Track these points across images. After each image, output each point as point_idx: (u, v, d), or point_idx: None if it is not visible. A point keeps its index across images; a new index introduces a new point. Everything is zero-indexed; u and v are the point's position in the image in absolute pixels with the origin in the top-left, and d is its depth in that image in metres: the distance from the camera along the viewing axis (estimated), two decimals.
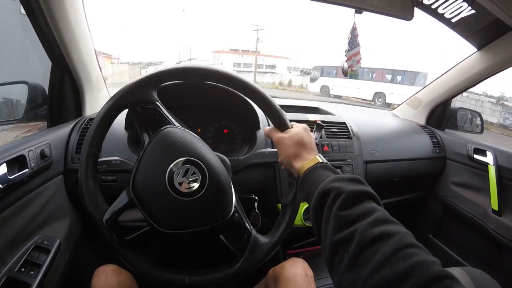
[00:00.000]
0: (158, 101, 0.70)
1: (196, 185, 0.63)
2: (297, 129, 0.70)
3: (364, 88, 14.33)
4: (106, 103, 0.68)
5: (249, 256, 0.71)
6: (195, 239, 0.82)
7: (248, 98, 0.75)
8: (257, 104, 0.75)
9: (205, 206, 0.65)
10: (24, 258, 0.71)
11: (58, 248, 0.78)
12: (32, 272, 0.70)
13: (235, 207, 0.70)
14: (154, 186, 0.63)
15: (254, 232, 0.73)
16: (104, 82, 1.20)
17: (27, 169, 0.73)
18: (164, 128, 0.67)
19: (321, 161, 0.63)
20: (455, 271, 0.82)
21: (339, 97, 14.77)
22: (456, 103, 1.60)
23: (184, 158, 0.64)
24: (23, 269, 0.70)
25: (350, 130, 1.23)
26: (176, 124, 0.70)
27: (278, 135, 0.71)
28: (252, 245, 0.71)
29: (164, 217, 0.65)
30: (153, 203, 0.64)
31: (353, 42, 1.10)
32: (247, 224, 0.73)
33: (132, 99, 0.68)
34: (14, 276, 0.67)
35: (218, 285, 0.70)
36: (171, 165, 0.63)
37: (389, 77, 14.10)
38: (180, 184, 0.63)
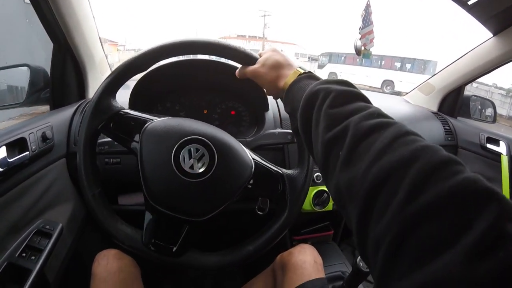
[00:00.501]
0: (122, 109, 0.67)
1: (206, 161, 0.61)
2: (267, 54, 0.64)
3: (372, 76, 14.16)
4: (79, 134, 0.64)
5: (292, 196, 0.69)
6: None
7: (205, 54, 0.70)
8: (216, 55, 0.70)
9: (226, 174, 0.62)
10: (25, 243, 0.70)
11: (60, 233, 0.77)
12: (33, 258, 0.69)
13: (253, 159, 0.67)
14: (169, 185, 0.60)
15: (284, 170, 0.71)
16: (107, 64, 1.18)
17: (27, 152, 0.71)
18: (146, 127, 0.63)
19: (303, 72, 0.57)
20: None
21: None
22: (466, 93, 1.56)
23: (178, 143, 0.61)
24: (24, 254, 0.68)
25: None
26: (154, 117, 0.66)
27: (250, 68, 0.65)
28: (289, 183, 0.69)
29: (195, 207, 0.62)
30: (176, 201, 0.61)
31: (367, 19, 1.06)
32: (273, 167, 0.70)
33: (97, 123, 0.64)
34: (14, 262, 0.66)
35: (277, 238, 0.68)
36: (172, 155, 0.60)
37: (398, 64, 13.91)
38: (191, 167, 0.60)
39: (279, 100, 1.02)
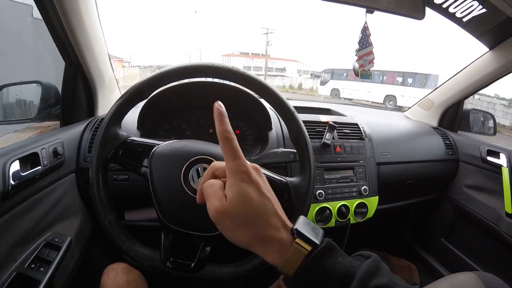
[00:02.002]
0: (129, 137, 0.69)
1: None
2: (234, 188, 0.41)
3: (374, 91, 14.24)
4: (90, 163, 0.66)
5: (297, 201, 0.71)
6: None
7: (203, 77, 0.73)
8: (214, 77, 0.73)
9: None
10: (34, 255, 0.72)
11: (69, 246, 0.79)
12: (42, 269, 0.70)
13: None
14: (181, 204, 0.62)
15: (288, 179, 0.72)
16: (116, 83, 1.21)
17: (39, 167, 0.74)
18: (153, 151, 0.66)
19: (309, 248, 0.40)
20: (468, 275, 0.80)
21: (350, 100, 14.68)
22: (467, 105, 1.58)
23: (186, 164, 0.63)
24: (33, 266, 0.70)
25: (362, 131, 1.22)
26: (159, 142, 0.69)
27: (214, 205, 0.41)
28: (294, 190, 0.71)
29: (208, 223, 0.63)
30: (189, 218, 0.63)
31: (364, 41, 1.09)
32: (277, 177, 0.71)
33: (106, 152, 0.67)
34: (23, 272, 0.68)
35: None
36: (182, 176, 0.62)
37: (399, 79, 13.99)
38: None
39: (282, 120, 1.06)
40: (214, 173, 0.46)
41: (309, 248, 0.40)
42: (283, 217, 0.43)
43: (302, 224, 0.42)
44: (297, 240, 0.41)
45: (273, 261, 0.42)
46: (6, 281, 0.64)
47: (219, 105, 0.44)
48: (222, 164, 0.45)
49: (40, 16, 0.86)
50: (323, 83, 16.90)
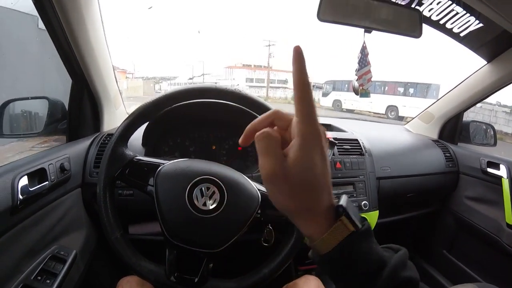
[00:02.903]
0: (135, 156, 0.72)
1: (217, 197, 0.65)
2: (304, 150, 0.36)
3: (376, 102, 14.23)
4: (98, 182, 0.69)
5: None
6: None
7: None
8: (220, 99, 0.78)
9: (235, 207, 0.67)
10: (40, 267, 0.73)
11: (74, 259, 0.81)
12: (48, 281, 0.72)
13: (259, 190, 0.71)
14: (186, 221, 0.65)
15: None
16: (121, 99, 1.24)
17: (47, 182, 0.76)
18: (159, 171, 0.68)
19: (353, 228, 0.38)
20: (469, 287, 0.80)
21: (352, 111, 14.70)
22: (469, 113, 1.58)
23: (191, 183, 0.65)
24: (39, 278, 0.71)
25: (362, 147, 1.23)
26: (164, 161, 0.71)
27: (274, 164, 0.37)
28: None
29: (211, 240, 0.66)
30: (193, 235, 0.65)
31: (363, 61, 1.12)
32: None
33: (113, 171, 0.70)
34: (30, 284, 0.69)
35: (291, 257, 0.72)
36: (186, 195, 0.64)
37: (401, 90, 13.97)
38: (204, 204, 0.64)
39: None
40: (273, 122, 0.41)
41: (352, 228, 0.38)
42: (331, 190, 0.39)
43: (346, 203, 0.40)
44: (343, 217, 0.38)
45: (312, 234, 0.39)
46: None
47: (298, 48, 0.37)
48: (286, 115, 0.40)
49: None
50: (325, 94, 16.93)
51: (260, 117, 0.41)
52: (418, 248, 1.72)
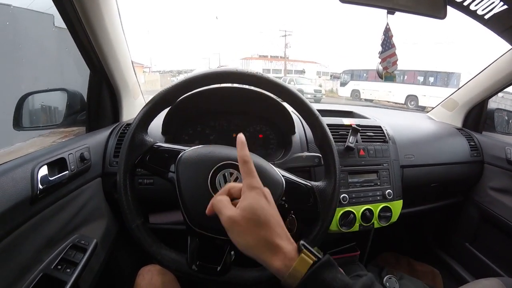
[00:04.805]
0: (155, 142, 0.71)
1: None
2: (246, 201, 0.49)
3: (395, 91, 13.96)
4: (118, 169, 0.68)
5: (323, 205, 0.71)
6: None
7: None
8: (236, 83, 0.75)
9: None
10: (61, 256, 0.73)
11: (95, 248, 0.80)
12: (68, 270, 0.72)
13: (283, 176, 0.70)
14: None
15: (313, 183, 0.73)
16: (139, 88, 1.24)
17: (67, 171, 0.76)
18: (180, 157, 0.67)
19: (313, 258, 0.46)
20: (493, 281, 0.76)
21: (370, 101, 14.45)
22: (491, 103, 1.53)
23: (213, 169, 0.64)
24: (59, 267, 0.71)
25: (386, 134, 1.20)
26: (185, 147, 0.70)
27: (227, 213, 0.49)
28: (319, 194, 0.71)
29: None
30: (216, 223, 0.63)
31: (386, 43, 1.07)
32: (302, 181, 0.72)
33: (133, 158, 0.69)
34: (50, 273, 0.69)
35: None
36: (209, 181, 0.63)
37: (421, 78, 13.64)
38: None
39: (305, 124, 1.03)
40: (230, 191, 0.53)
41: (313, 259, 0.45)
42: (286, 231, 0.49)
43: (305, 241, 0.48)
44: (304, 251, 0.46)
45: (278, 269, 0.45)
46: (32, 281, 0.66)
47: (241, 136, 0.53)
48: (237, 185, 0.53)
49: (62, 25, 0.89)
50: (343, 84, 16.73)
51: (219, 192, 0.54)
52: (440, 240, 1.67)
